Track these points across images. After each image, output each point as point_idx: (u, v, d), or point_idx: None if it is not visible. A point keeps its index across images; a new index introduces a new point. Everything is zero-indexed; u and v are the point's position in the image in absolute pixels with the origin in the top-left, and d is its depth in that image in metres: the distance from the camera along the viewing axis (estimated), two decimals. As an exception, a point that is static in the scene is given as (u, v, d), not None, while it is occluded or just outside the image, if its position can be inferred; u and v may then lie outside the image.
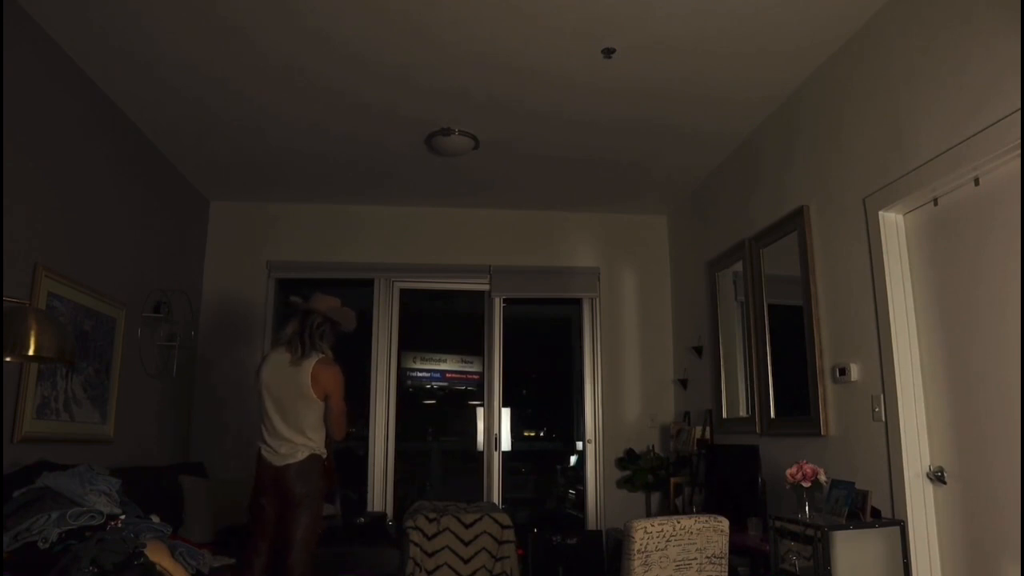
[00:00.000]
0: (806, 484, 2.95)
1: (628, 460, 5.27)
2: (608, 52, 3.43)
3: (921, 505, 2.84)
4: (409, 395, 7.18)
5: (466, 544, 4.20)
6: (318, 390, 3.15)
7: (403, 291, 5.63)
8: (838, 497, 2.93)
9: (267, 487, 3.13)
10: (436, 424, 7.33)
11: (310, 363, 3.16)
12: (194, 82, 3.72)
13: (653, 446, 5.33)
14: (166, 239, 4.70)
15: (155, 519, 2.96)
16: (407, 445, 6.02)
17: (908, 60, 2.91)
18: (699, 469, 4.59)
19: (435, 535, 4.18)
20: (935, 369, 2.87)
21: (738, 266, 4.43)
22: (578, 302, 5.78)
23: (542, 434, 7.63)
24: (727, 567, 2.74)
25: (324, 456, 3.24)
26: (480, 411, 5.75)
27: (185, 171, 4.92)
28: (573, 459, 6.57)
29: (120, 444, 3.98)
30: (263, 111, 4.05)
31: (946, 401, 2.81)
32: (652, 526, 2.60)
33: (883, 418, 3.00)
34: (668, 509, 4.91)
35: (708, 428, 4.69)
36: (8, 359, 2.69)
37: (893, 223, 3.05)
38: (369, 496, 5.27)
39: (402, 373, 6.33)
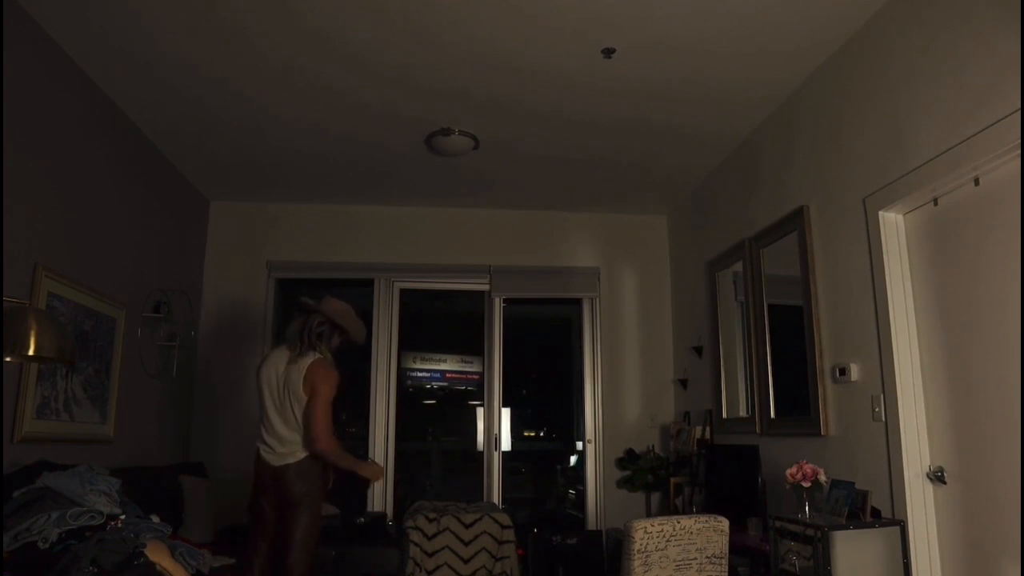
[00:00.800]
0: (806, 484, 2.95)
1: (628, 460, 5.27)
2: (608, 52, 3.42)
3: (921, 505, 2.84)
4: (409, 395, 7.17)
5: (466, 544, 4.20)
6: (307, 389, 3.07)
7: (403, 291, 5.63)
8: (838, 497, 2.93)
9: (266, 487, 3.13)
10: (436, 424, 7.33)
11: (306, 362, 3.13)
12: (194, 82, 3.72)
13: (653, 446, 5.33)
14: (166, 239, 4.70)
15: (155, 519, 2.96)
16: (407, 445, 6.02)
17: (908, 60, 2.91)
18: (699, 469, 4.59)
19: (435, 535, 4.18)
20: (935, 369, 2.87)
21: (738, 266, 4.43)
22: (578, 302, 5.78)
23: (542, 434, 7.62)
24: (727, 567, 2.74)
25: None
26: (480, 411, 5.75)
27: (185, 171, 4.92)
28: (573, 459, 6.57)
29: (120, 444, 3.98)
30: (263, 111, 4.05)
31: (946, 401, 2.80)
32: (652, 526, 2.60)
33: (883, 418, 3.00)
34: (668, 509, 4.91)
35: (708, 428, 4.69)
36: (8, 359, 2.69)
37: (893, 223, 3.05)
38: (369, 496, 5.27)
39: (402, 373, 6.33)
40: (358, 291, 5.48)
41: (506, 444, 5.70)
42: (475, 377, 7.09)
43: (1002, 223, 2.52)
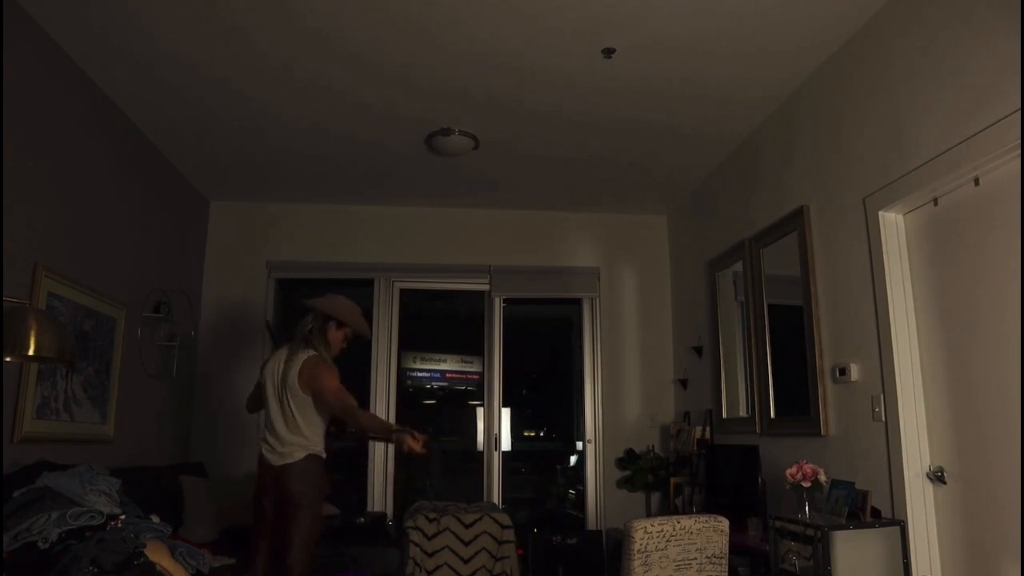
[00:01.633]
0: (806, 484, 2.95)
1: (628, 460, 5.27)
2: (608, 52, 3.42)
3: (921, 505, 2.84)
4: (409, 395, 7.18)
5: (466, 544, 4.20)
6: (303, 384, 3.11)
7: (403, 291, 5.63)
8: (838, 497, 2.93)
9: (268, 487, 3.13)
10: (436, 424, 7.33)
11: (300, 358, 3.16)
12: (194, 82, 3.72)
13: (653, 446, 5.33)
14: (166, 239, 4.70)
15: (155, 519, 2.96)
16: (407, 445, 6.01)
17: (908, 60, 2.91)
18: (699, 469, 4.59)
19: (435, 535, 4.18)
20: (935, 369, 2.87)
21: (738, 266, 4.43)
22: (578, 302, 5.78)
23: (542, 434, 7.63)
24: (727, 567, 2.74)
25: (324, 457, 3.23)
26: (480, 411, 5.75)
27: (185, 171, 4.92)
28: (573, 459, 6.57)
29: (120, 444, 3.98)
30: (263, 111, 4.05)
31: (946, 401, 2.81)
32: (652, 526, 2.60)
33: (883, 418, 3.00)
34: (668, 509, 4.91)
35: (708, 428, 4.69)
36: (8, 359, 2.69)
37: (893, 223, 3.05)
38: (369, 496, 5.27)
39: (402, 373, 6.34)
40: (358, 291, 5.46)
41: (506, 444, 5.70)
42: (475, 377, 7.10)
43: (1002, 223, 2.52)
